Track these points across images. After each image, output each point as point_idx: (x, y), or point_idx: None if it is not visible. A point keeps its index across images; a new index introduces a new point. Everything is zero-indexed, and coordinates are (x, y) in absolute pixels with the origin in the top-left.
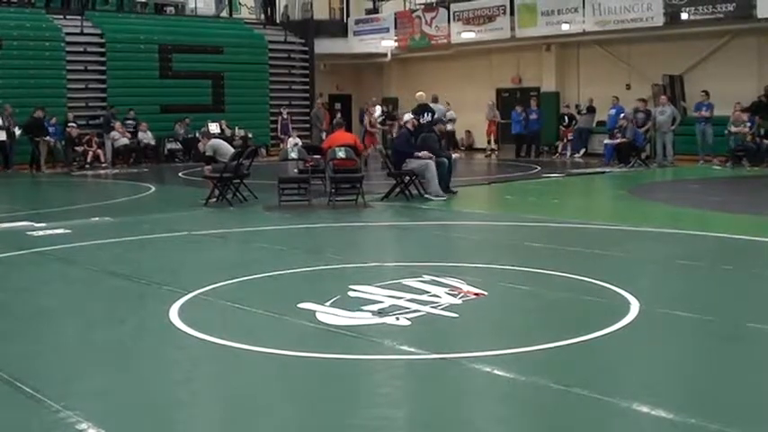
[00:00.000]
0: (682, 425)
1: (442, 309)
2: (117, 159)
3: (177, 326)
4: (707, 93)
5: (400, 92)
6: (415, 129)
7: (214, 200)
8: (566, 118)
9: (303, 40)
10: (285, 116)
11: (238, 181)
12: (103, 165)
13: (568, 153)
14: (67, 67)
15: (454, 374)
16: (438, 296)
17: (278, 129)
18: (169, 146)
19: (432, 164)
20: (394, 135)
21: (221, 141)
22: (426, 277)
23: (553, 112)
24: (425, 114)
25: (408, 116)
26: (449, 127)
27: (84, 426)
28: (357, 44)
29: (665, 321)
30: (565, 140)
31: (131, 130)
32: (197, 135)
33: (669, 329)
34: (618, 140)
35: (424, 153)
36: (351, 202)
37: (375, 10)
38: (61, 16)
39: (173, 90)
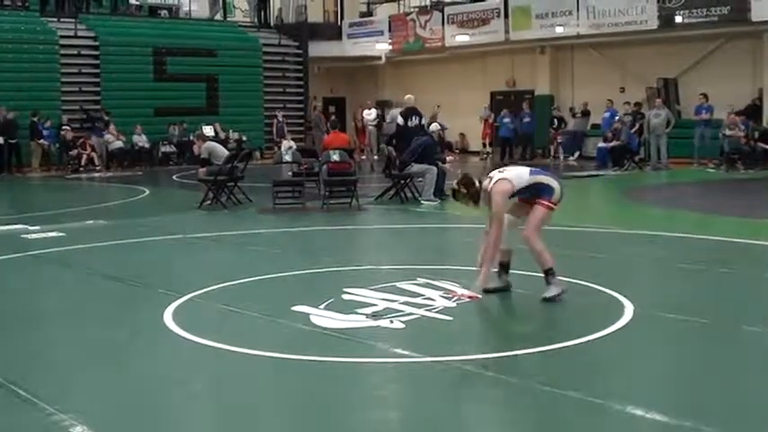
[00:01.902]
0: (676, 428)
1: (436, 312)
2: (111, 162)
3: (172, 329)
4: (706, 96)
5: (394, 95)
6: (402, 132)
7: (208, 203)
8: (555, 121)
9: (297, 43)
10: (281, 119)
11: (233, 184)
12: (97, 168)
13: (561, 156)
14: (62, 70)
15: (448, 377)
16: (432, 299)
17: (273, 132)
18: (163, 149)
19: (434, 168)
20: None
21: (216, 144)
22: (421, 280)
23: (547, 115)
24: (413, 117)
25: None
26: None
27: (78, 429)
28: (351, 47)
29: (660, 324)
30: (555, 143)
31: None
32: (191, 138)
33: (663, 332)
34: (612, 143)
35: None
36: (345, 205)
37: (369, 13)
38: (55, 19)
39: (167, 93)
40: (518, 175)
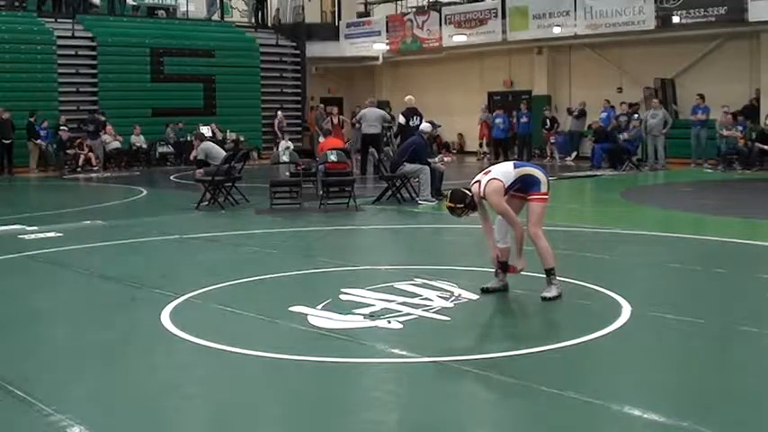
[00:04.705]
0: (674, 428)
1: (433, 312)
2: (108, 163)
3: (169, 329)
4: (702, 96)
5: (392, 95)
6: (402, 132)
7: (206, 203)
8: (547, 121)
9: (295, 44)
10: (280, 117)
11: (230, 184)
12: (95, 168)
13: (557, 156)
14: (59, 71)
15: (446, 378)
16: (430, 299)
17: (275, 127)
18: (160, 149)
19: (426, 168)
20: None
21: (212, 144)
22: (418, 280)
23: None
24: (413, 118)
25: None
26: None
27: (75, 430)
28: (349, 48)
29: (657, 324)
30: (549, 143)
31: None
32: (189, 138)
33: (660, 333)
34: (633, 140)
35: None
36: (342, 206)
37: (366, 13)
38: (53, 19)
39: (164, 93)
40: (504, 172)
